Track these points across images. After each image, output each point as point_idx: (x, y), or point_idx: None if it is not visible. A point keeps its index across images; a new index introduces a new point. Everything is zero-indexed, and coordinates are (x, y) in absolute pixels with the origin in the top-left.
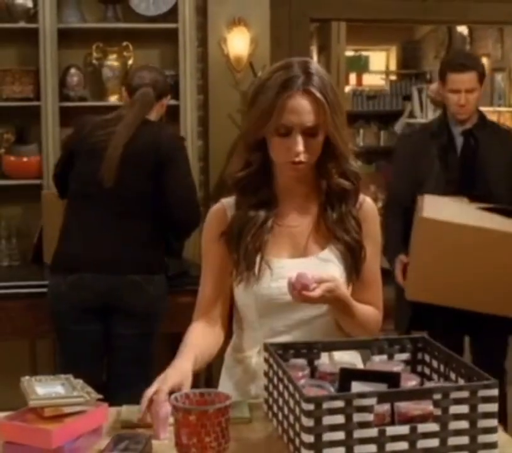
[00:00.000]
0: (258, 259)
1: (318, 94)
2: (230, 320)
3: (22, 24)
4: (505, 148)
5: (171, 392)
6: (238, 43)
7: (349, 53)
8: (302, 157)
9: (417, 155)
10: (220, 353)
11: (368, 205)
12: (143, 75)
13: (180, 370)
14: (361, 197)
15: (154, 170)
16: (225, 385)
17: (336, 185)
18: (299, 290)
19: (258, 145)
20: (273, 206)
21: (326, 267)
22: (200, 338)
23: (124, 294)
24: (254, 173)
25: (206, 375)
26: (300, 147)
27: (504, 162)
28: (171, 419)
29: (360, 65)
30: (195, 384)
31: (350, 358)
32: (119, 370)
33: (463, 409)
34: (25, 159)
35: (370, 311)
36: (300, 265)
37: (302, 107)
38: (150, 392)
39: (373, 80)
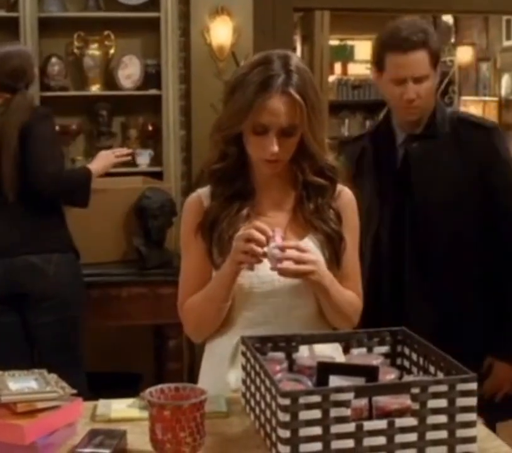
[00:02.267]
0: (231, 246)
1: (297, 96)
2: None
3: (2, 13)
4: (469, 166)
5: None
6: (221, 32)
7: (334, 42)
8: (276, 156)
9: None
10: (199, 346)
11: (346, 195)
12: (6, 65)
13: None
14: (339, 187)
15: (21, 149)
16: (205, 378)
17: (312, 181)
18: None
19: (234, 139)
20: (249, 197)
21: None
22: None
23: (21, 277)
24: (230, 166)
25: (189, 370)
26: (275, 147)
27: (462, 187)
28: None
29: (345, 54)
30: (178, 379)
31: (331, 350)
32: (44, 360)
33: (442, 403)
34: None
35: (352, 296)
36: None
37: (279, 109)
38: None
39: (358, 69)
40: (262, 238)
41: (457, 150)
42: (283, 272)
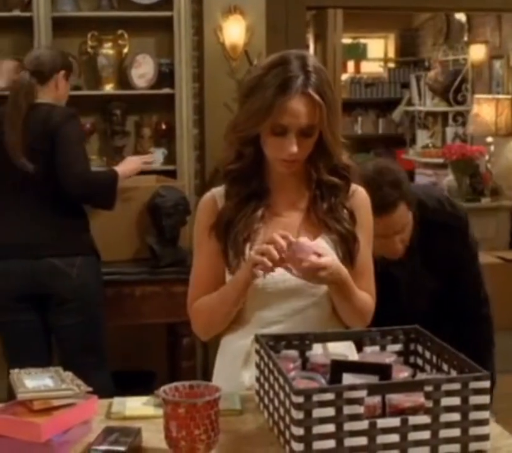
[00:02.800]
0: (247, 248)
1: (316, 96)
2: None
3: (16, 13)
4: (447, 264)
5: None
6: (234, 31)
7: (347, 40)
8: (295, 157)
9: None
10: (213, 344)
11: (360, 194)
12: (28, 58)
13: None
14: (354, 186)
15: (51, 150)
16: (219, 376)
17: (326, 180)
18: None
19: (251, 139)
20: (264, 197)
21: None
22: None
23: (45, 279)
24: (246, 166)
25: (202, 368)
26: (295, 148)
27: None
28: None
29: (358, 53)
30: (192, 377)
31: (344, 348)
32: (68, 361)
33: (455, 401)
34: None
35: (366, 297)
36: None
37: (299, 110)
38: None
39: (371, 67)
40: (276, 255)
41: (428, 259)
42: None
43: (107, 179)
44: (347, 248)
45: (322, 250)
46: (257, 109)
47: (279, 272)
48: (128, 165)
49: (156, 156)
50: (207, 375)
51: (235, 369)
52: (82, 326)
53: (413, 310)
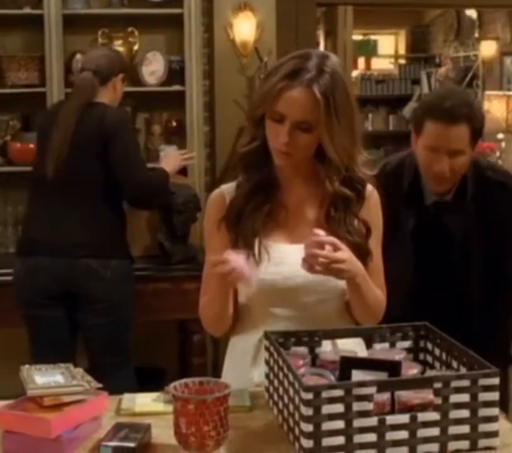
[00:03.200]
0: (256, 241)
1: (317, 93)
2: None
3: (27, 11)
4: (500, 226)
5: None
6: (244, 28)
7: (357, 37)
8: (285, 148)
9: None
10: (223, 341)
11: (373, 197)
12: (88, 58)
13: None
14: (369, 190)
15: (100, 152)
16: (228, 373)
17: (338, 192)
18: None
19: (261, 122)
20: (273, 188)
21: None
22: None
23: (78, 279)
24: (257, 149)
25: (213, 364)
26: (285, 138)
27: (495, 246)
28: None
29: (369, 49)
30: (202, 373)
31: (354, 345)
32: (95, 359)
33: (464, 398)
34: (31, 146)
35: (380, 294)
36: (301, 251)
37: (296, 101)
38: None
39: (382, 64)
40: (226, 269)
41: (483, 213)
42: (314, 270)
43: (162, 183)
44: (359, 259)
45: (339, 244)
46: (264, 92)
47: (289, 268)
48: (171, 163)
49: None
50: (217, 372)
51: (245, 366)
52: (111, 326)
53: (465, 264)
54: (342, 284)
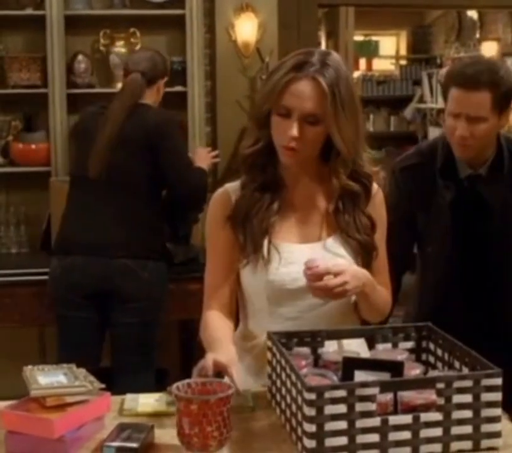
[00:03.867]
0: (265, 242)
1: (324, 84)
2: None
3: (29, 11)
4: None
5: (217, 373)
6: (246, 28)
7: (359, 37)
8: (294, 144)
9: (424, 203)
10: None
11: (378, 195)
12: (135, 60)
13: (226, 353)
14: (374, 189)
15: (146, 152)
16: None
17: (345, 186)
18: (313, 281)
19: (266, 122)
20: (279, 188)
21: (335, 253)
22: (226, 327)
23: (115, 279)
24: (261, 150)
25: None
26: (294, 132)
27: None
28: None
29: (370, 50)
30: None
31: (357, 345)
32: (121, 358)
33: (467, 398)
34: (33, 146)
35: (385, 294)
36: (310, 251)
37: (304, 92)
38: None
39: (383, 65)
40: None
41: None
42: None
43: (206, 181)
44: (366, 256)
45: (336, 268)
46: (269, 88)
47: (298, 269)
48: (203, 161)
49: None
50: (219, 372)
51: (250, 367)
52: (141, 325)
53: (505, 236)
54: None
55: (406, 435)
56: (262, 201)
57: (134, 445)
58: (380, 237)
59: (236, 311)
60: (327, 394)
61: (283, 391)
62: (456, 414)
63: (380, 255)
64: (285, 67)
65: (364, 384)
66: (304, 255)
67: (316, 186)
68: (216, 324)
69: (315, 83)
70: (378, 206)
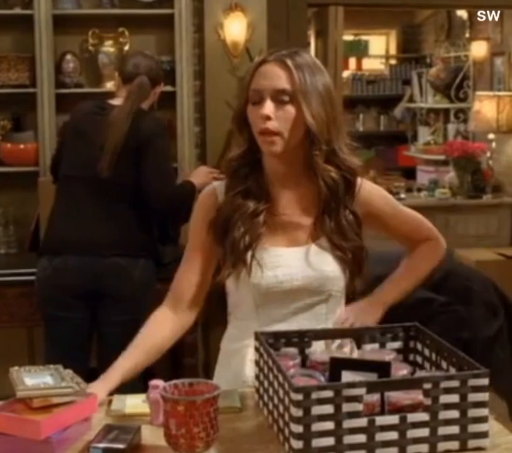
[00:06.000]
0: (248, 256)
1: (291, 64)
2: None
3: (17, 11)
4: None
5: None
6: (235, 28)
7: (348, 37)
8: (270, 125)
9: None
10: (215, 342)
11: (366, 187)
12: (137, 62)
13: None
14: (358, 184)
15: (135, 156)
16: (222, 375)
17: (324, 171)
18: None
19: (245, 124)
20: (263, 198)
21: (323, 256)
22: (154, 335)
23: (107, 277)
24: (244, 154)
25: (204, 365)
26: (266, 110)
27: None
28: None
29: (360, 49)
30: (193, 374)
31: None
32: (108, 357)
33: (454, 398)
34: (22, 146)
35: (425, 258)
36: (297, 254)
37: (272, 72)
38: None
39: (372, 64)
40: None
41: None
42: None
43: (189, 196)
44: (354, 261)
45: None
46: (244, 83)
47: (284, 272)
48: (201, 178)
49: None
50: (208, 372)
51: (238, 369)
52: (131, 323)
53: None
54: (338, 287)
55: (393, 435)
56: (244, 208)
57: (121, 446)
58: (395, 215)
59: (204, 308)
60: (314, 395)
61: (271, 391)
62: (443, 415)
63: (409, 213)
64: (257, 60)
65: (351, 385)
66: (290, 258)
67: (302, 190)
68: (143, 334)
69: (283, 65)
70: (371, 198)
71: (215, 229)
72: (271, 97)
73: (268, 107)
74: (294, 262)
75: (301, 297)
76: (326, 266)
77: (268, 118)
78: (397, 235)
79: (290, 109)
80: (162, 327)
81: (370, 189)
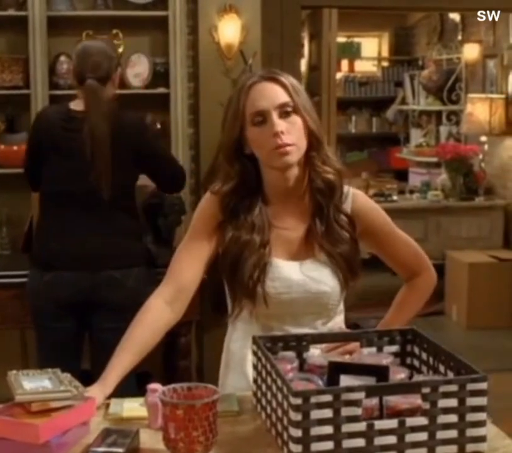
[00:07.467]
0: (259, 287)
1: (282, 79)
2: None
3: (11, 12)
4: None
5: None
6: (229, 30)
7: (341, 39)
8: (285, 139)
9: None
10: (209, 344)
11: (358, 198)
12: (83, 61)
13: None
14: (345, 191)
15: (131, 160)
16: (228, 376)
17: (321, 178)
18: None
19: (237, 155)
20: (267, 226)
21: (322, 269)
22: (149, 330)
23: (101, 290)
24: (236, 188)
25: (197, 368)
26: (280, 127)
27: None
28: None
29: (352, 52)
30: (187, 376)
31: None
32: (102, 359)
33: (452, 402)
34: (15, 148)
35: (424, 289)
36: (298, 267)
37: (270, 89)
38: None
39: (365, 66)
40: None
41: None
42: None
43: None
44: (346, 265)
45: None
46: (233, 111)
47: (283, 283)
48: None
49: None
50: (202, 375)
51: (243, 370)
52: (125, 330)
53: None
54: (334, 300)
55: (392, 439)
56: (253, 244)
57: (119, 450)
58: (391, 234)
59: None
60: (313, 399)
61: (269, 395)
62: (442, 419)
63: (403, 238)
64: (237, 90)
65: (350, 389)
66: (290, 271)
67: (301, 204)
68: (137, 329)
69: (274, 80)
70: (364, 210)
71: (223, 267)
72: (275, 112)
73: (279, 123)
74: (292, 275)
75: (300, 307)
76: (324, 280)
77: (281, 133)
78: (395, 260)
79: (296, 119)
80: (157, 323)
81: (364, 200)
